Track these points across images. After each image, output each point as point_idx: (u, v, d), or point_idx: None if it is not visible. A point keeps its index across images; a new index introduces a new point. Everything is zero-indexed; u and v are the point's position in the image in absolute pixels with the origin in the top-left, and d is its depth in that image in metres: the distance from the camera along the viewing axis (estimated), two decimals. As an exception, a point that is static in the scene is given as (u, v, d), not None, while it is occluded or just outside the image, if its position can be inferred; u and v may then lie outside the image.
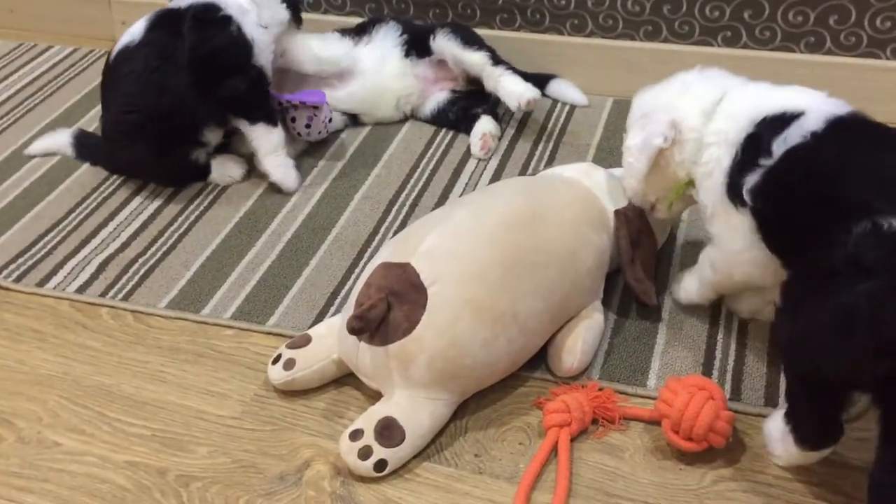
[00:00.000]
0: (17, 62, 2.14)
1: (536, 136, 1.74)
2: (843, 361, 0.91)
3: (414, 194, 1.61)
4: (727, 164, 1.11)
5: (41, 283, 1.45)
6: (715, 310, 1.30)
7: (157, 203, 1.62)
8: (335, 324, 1.24)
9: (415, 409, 1.11)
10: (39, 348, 1.34)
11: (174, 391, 1.25)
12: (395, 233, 1.51)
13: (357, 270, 1.43)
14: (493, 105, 1.75)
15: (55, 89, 2.02)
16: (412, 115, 1.82)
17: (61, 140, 1.76)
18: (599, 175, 1.31)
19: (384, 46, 1.77)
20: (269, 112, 1.62)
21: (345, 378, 1.23)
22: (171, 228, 1.56)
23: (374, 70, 1.76)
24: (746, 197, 1.07)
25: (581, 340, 1.19)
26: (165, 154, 1.60)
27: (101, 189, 1.67)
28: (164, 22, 1.58)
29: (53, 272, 1.47)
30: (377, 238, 1.50)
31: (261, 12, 1.59)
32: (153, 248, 1.52)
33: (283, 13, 1.65)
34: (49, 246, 1.53)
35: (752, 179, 1.06)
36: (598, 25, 1.82)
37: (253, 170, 1.68)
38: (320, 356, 1.21)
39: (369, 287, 1.15)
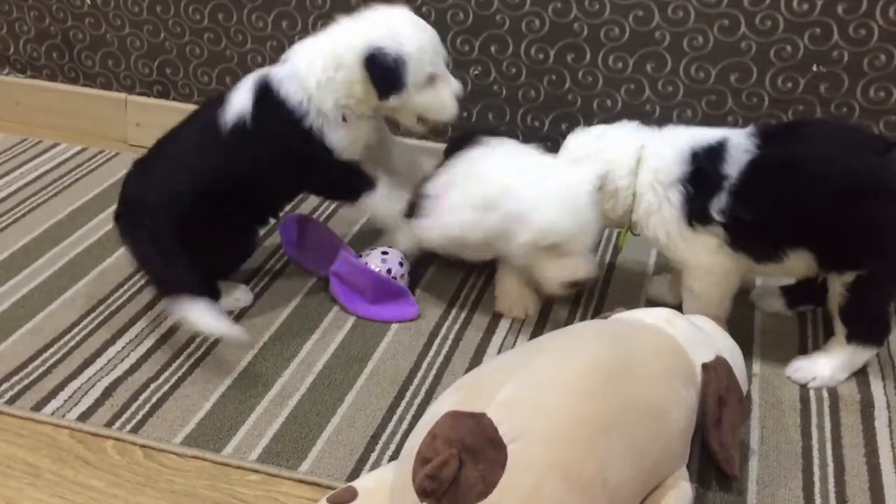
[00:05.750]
0: (19, 158, 2.01)
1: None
2: None
3: (457, 326, 1.48)
4: (677, 199, 1.31)
5: (37, 408, 1.28)
6: (808, 480, 1.17)
7: (171, 321, 1.47)
8: (385, 477, 1.08)
9: (486, 588, 0.95)
10: (32, 485, 1.16)
11: (191, 548, 1.07)
12: (440, 368, 1.37)
13: (399, 411, 1.29)
14: None
15: (60, 189, 1.89)
16: None
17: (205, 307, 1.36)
18: (682, 323, 1.19)
19: None
20: (363, 185, 1.51)
21: (395, 543, 1.06)
22: (188, 351, 1.41)
23: None
24: (718, 216, 1.29)
25: (671, 513, 1.05)
26: (233, 233, 1.47)
27: (109, 301, 1.52)
28: (264, 97, 1.44)
29: (52, 395, 1.31)
30: (419, 374, 1.36)
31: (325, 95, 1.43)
32: (167, 373, 1.36)
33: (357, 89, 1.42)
34: (48, 364, 1.37)
35: (720, 201, 1.28)
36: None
37: (273, 292, 1.55)
38: (369, 515, 1.04)
39: (434, 439, 1.00)
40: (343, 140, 1.46)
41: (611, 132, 1.40)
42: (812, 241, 1.28)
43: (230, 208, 1.44)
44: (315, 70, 1.42)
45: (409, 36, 1.41)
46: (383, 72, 1.39)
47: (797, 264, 1.31)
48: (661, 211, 1.33)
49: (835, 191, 1.24)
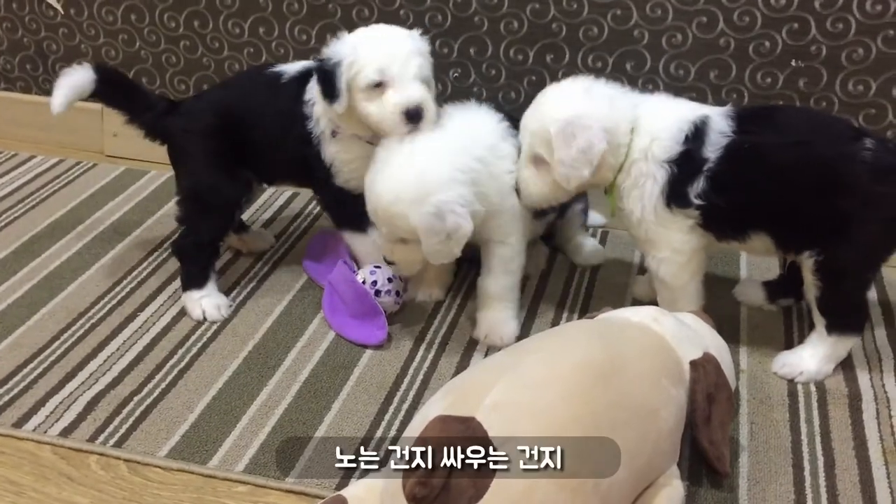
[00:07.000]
0: (-5, 171, 1.99)
1: (569, 273, 1.63)
2: None
3: (444, 330, 1.47)
4: (663, 178, 1.29)
5: (18, 424, 1.26)
6: (798, 475, 1.17)
7: (153, 332, 1.45)
8: (375, 485, 1.07)
9: None
10: (15, 504, 1.14)
11: (179, 562, 1.06)
12: (427, 373, 1.36)
13: (387, 417, 1.28)
14: None
15: (37, 202, 1.86)
16: None
17: (79, 79, 1.48)
18: (669, 321, 1.19)
19: None
20: (355, 221, 1.50)
21: (386, 550, 1.05)
22: (171, 362, 1.39)
23: None
24: (695, 200, 1.28)
25: (664, 512, 1.04)
26: (232, 170, 1.50)
27: (90, 314, 1.49)
28: (304, 78, 1.48)
29: (33, 411, 1.28)
30: (406, 379, 1.35)
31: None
32: (150, 385, 1.34)
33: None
34: (28, 379, 1.34)
35: (698, 185, 1.28)
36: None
37: (256, 301, 1.54)
38: (359, 523, 1.03)
39: (424, 444, 0.99)
40: (337, 158, 1.45)
41: (597, 88, 1.33)
42: (772, 225, 1.31)
43: (236, 141, 1.48)
44: (313, 83, 1.45)
45: (354, 45, 1.37)
46: (321, 78, 1.39)
47: (756, 244, 1.34)
48: (645, 186, 1.31)
49: (799, 178, 1.25)
